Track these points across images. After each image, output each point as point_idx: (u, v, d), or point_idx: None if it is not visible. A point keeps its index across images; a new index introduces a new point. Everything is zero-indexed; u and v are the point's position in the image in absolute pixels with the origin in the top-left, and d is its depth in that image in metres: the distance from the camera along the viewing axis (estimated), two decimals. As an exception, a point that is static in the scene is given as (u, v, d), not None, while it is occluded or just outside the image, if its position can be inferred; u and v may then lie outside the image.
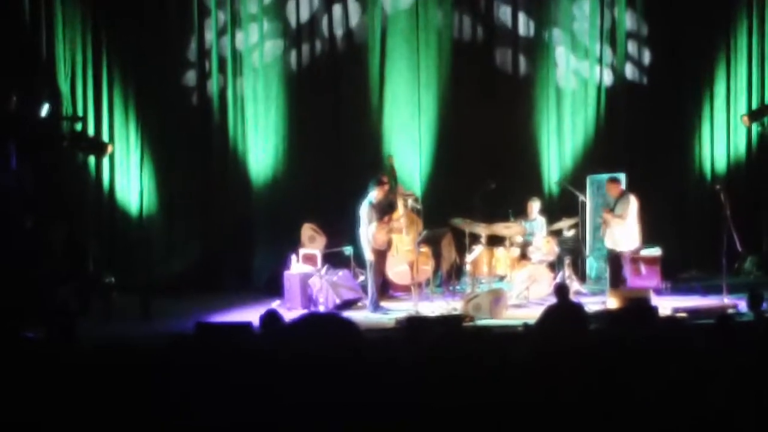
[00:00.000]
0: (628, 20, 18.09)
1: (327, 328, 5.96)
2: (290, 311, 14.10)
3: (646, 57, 18.28)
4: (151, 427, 6.38)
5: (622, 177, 16.26)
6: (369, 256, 14.65)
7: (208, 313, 14.17)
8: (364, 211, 14.56)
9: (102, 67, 16.87)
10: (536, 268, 15.52)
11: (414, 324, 12.43)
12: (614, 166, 16.80)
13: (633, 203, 14.95)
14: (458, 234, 16.00)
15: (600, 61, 18.04)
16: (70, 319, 9.32)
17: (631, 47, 18.23)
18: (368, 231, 14.54)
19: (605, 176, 15.95)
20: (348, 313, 13.10)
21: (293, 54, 17.60)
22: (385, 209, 14.97)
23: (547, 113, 18.05)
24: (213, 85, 17.35)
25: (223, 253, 17.49)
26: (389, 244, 15.11)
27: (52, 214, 15.64)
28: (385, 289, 15.76)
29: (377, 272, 14.81)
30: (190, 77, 17.41)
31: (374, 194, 14.66)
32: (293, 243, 16.11)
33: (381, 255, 14.94)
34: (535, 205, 16.47)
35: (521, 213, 16.38)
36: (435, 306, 14.83)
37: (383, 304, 14.93)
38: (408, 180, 17.26)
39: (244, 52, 17.42)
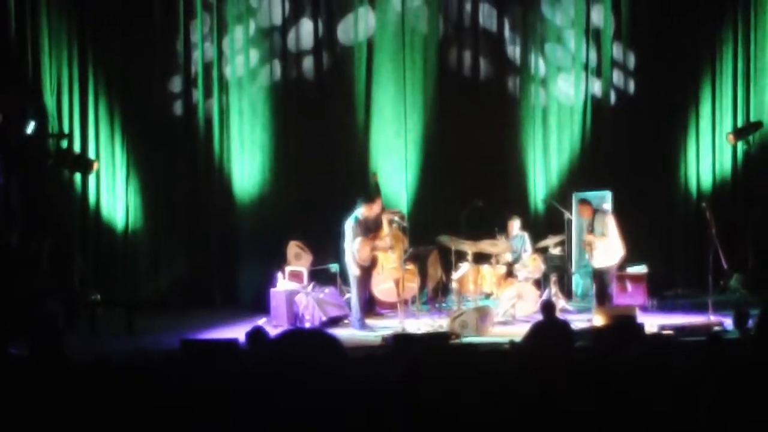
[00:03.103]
0: (614, 40, 18.17)
1: (310, 344, 5.94)
2: (276, 328, 14.05)
3: (633, 77, 18.34)
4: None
5: (607, 195, 16.37)
6: (355, 271, 14.63)
7: (194, 330, 14.14)
8: (349, 226, 14.57)
9: (88, 84, 16.81)
10: (522, 285, 15.52)
11: (400, 341, 12.44)
12: (600, 184, 16.86)
13: (610, 219, 15.03)
14: (444, 251, 16.02)
15: (586, 80, 18.11)
16: (56, 334, 9.28)
17: (618, 67, 18.29)
18: (352, 247, 14.53)
19: (591, 194, 16.00)
20: (334, 331, 13.06)
21: (279, 72, 17.59)
22: (371, 226, 14.96)
23: (533, 131, 18.11)
24: (199, 102, 17.32)
25: (208, 270, 17.45)
26: (374, 260, 15.09)
27: (38, 230, 15.58)
28: (371, 306, 15.73)
29: (361, 288, 14.79)
30: (177, 94, 17.37)
31: (361, 211, 14.67)
32: (279, 260, 16.09)
33: (365, 271, 14.91)
34: (515, 224, 16.48)
35: (506, 231, 16.40)
36: (421, 323, 14.79)
37: (369, 321, 14.91)
38: (394, 198, 17.27)
39: (231, 69, 17.39)
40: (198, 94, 17.32)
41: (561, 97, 18.23)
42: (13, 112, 15.36)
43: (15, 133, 15.33)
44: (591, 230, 15.00)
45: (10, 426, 6.45)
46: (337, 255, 15.55)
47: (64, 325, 13.20)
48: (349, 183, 17.09)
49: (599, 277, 15.13)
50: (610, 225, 14.96)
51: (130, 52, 17.07)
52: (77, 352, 9.97)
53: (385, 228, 15.20)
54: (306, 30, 17.56)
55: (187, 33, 17.24)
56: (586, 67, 18.08)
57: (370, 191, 15.69)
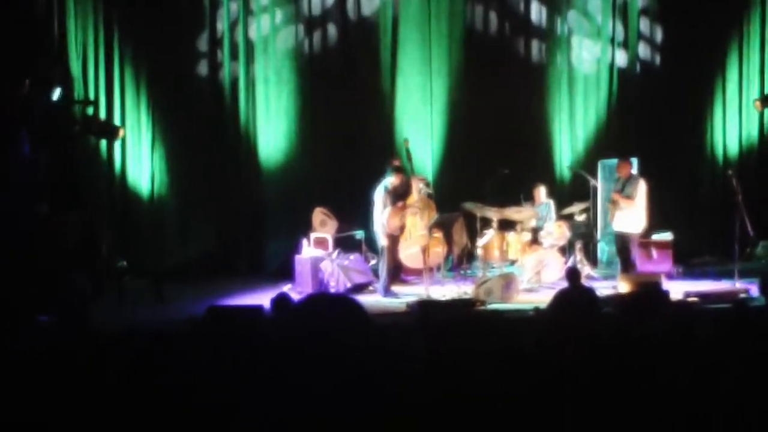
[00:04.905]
0: (641, 4, 18.05)
1: (334, 310, 5.97)
2: (301, 295, 14.08)
3: (659, 43, 18.22)
4: (162, 410, 6.41)
5: (634, 161, 16.29)
6: (383, 240, 14.63)
7: (220, 297, 14.16)
8: (379, 195, 14.54)
9: (114, 49, 16.82)
10: (547, 252, 15.49)
11: (425, 308, 12.48)
12: (626, 151, 16.76)
13: (642, 185, 14.95)
14: (470, 218, 16.01)
15: (612, 46, 18.00)
16: (84, 303, 9.35)
17: (645, 33, 18.18)
18: (382, 216, 14.52)
19: (617, 161, 15.92)
20: (359, 297, 13.08)
21: (305, 39, 17.53)
22: (400, 195, 14.94)
23: (559, 98, 18.03)
24: (225, 69, 17.30)
25: (234, 238, 17.49)
26: (402, 229, 15.08)
27: (65, 200, 15.64)
28: (397, 273, 15.75)
29: (390, 257, 14.79)
30: (202, 60, 17.36)
31: (391, 180, 14.63)
32: (304, 227, 16.11)
33: (394, 240, 14.91)
34: (541, 191, 16.45)
35: (531, 198, 16.38)
36: (446, 290, 14.80)
37: (394, 288, 14.93)
38: (420, 165, 17.23)
39: (257, 36, 17.36)
40: (223, 55, 17.30)
41: (586, 65, 18.13)
42: (39, 78, 15.37)
43: (41, 100, 15.34)
44: (620, 190, 14.94)
45: (40, 393, 6.52)
46: (362, 222, 15.56)
47: (90, 298, 13.25)
48: (374, 150, 17.09)
49: (619, 241, 15.05)
50: (640, 190, 14.86)
51: (155, 11, 17.02)
52: (105, 322, 10.06)
53: (415, 195, 15.20)
54: (332, -1, 17.52)
55: (214, 0, 17.21)
56: (612, 40, 17.96)
57: (397, 160, 15.65)
